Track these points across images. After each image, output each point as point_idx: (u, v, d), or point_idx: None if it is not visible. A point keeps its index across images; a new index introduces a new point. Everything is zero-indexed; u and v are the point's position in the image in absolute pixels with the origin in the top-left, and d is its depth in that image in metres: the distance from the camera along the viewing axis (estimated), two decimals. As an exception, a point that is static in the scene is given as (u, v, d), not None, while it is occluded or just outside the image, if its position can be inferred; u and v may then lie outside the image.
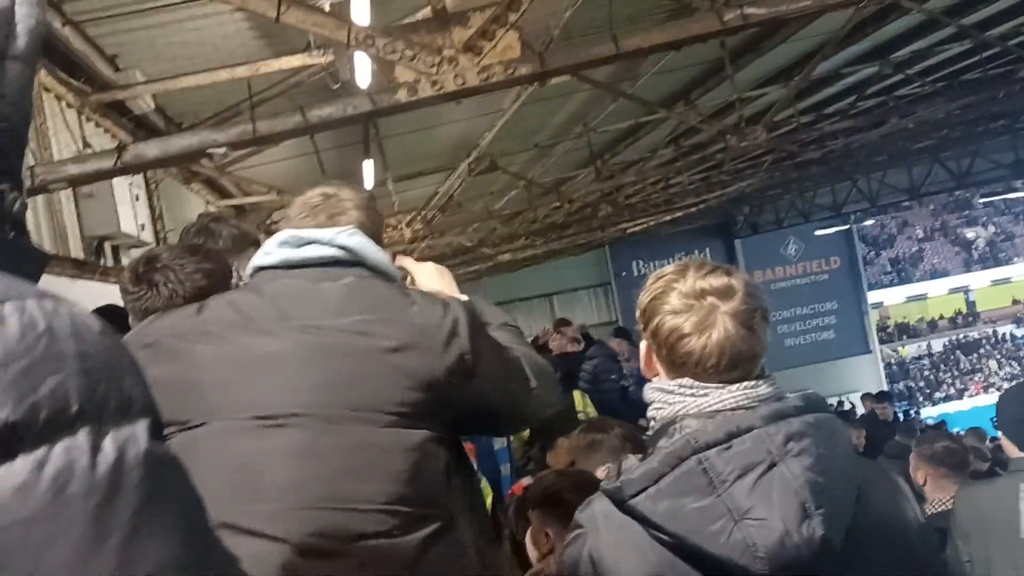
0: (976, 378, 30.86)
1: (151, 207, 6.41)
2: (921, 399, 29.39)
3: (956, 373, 31.30)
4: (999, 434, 2.65)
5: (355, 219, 1.52)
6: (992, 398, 26.29)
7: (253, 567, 1.20)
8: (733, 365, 1.22)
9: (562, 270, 20.72)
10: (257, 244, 2.42)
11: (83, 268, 5.03)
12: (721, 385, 1.23)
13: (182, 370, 1.36)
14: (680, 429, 1.23)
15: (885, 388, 23.65)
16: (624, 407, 5.71)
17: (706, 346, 1.21)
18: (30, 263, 0.70)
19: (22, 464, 0.55)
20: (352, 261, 1.46)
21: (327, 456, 1.29)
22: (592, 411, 5.70)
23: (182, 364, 1.37)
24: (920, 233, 33.23)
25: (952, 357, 31.82)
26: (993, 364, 31.35)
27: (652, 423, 1.31)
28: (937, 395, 29.93)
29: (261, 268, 1.49)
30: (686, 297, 1.24)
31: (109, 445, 0.58)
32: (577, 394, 5.83)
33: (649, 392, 1.32)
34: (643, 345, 1.35)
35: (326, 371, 1.33)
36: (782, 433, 1.17)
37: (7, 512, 0.54)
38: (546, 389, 1.58)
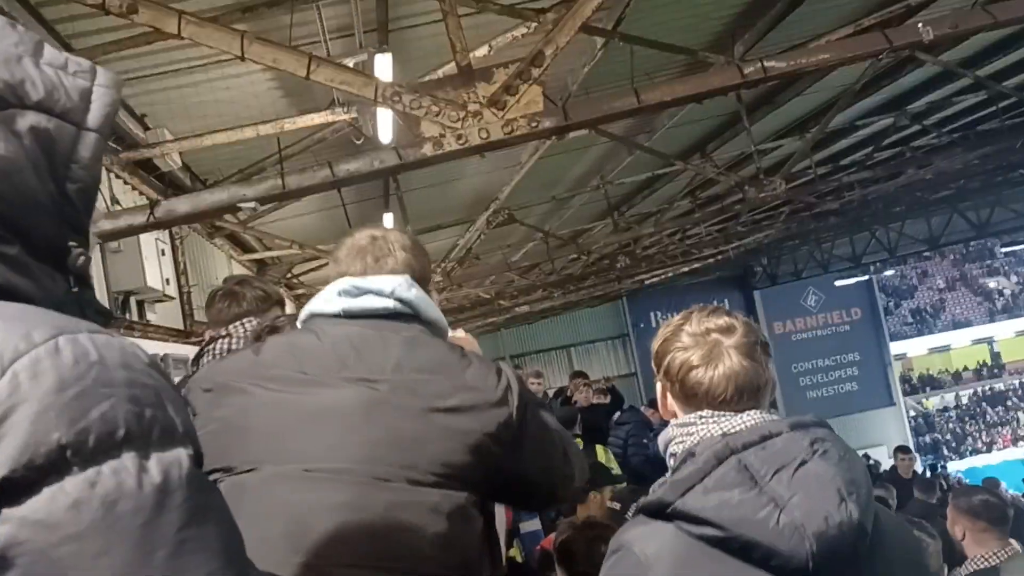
0: (1004, 431, 30.23)
1: (176, 262, 6.50)
2: (948, 452, 28.79)
3: (983, 426, 30.68)
4: None
5: (402, 261, 1.53)
6: (1022, 451, 25.77)
7: None
8: (740, 394, 1.35)
9: (579, 322, 20.70)
10: (281, 303, 2.42)
11: (110, 323, 5.07)
12: (737, 414, 1.35)
13: (236, 414, 1.36)
14: (711, 446, 1.33)
15: (910, 441, 23.26)
16: (651, 471, 5.71)
17: (714, 376, 1.35)
18: (94, 316, 0.75)
19: (73, 483, 0.60)
20: (409, 314, 1.46)
21: (373, 513, 1.28)
22: (614, 465, 5.65)
23: (237, 407, 1.37)
24: (941, 283, 32.95)
25: (979, 409, 31.24)
26: (1022, 416, 30.73)
27: (672, 459, 1.39)
28: (964, 448, 29.31)
29: (318, 315, 1.49)
30: (693, 336, 1.40)
31: (155, 467, 0.63)
32: (600, 448, 5.79)
33: (669, 431, 1.42)
34: (658, 387, 1.47)
35: (378, 427, 1.32)
36: (808, 438, 1.31)
37: (61, 528, 0.59)
38: (579, 470, 1.58)
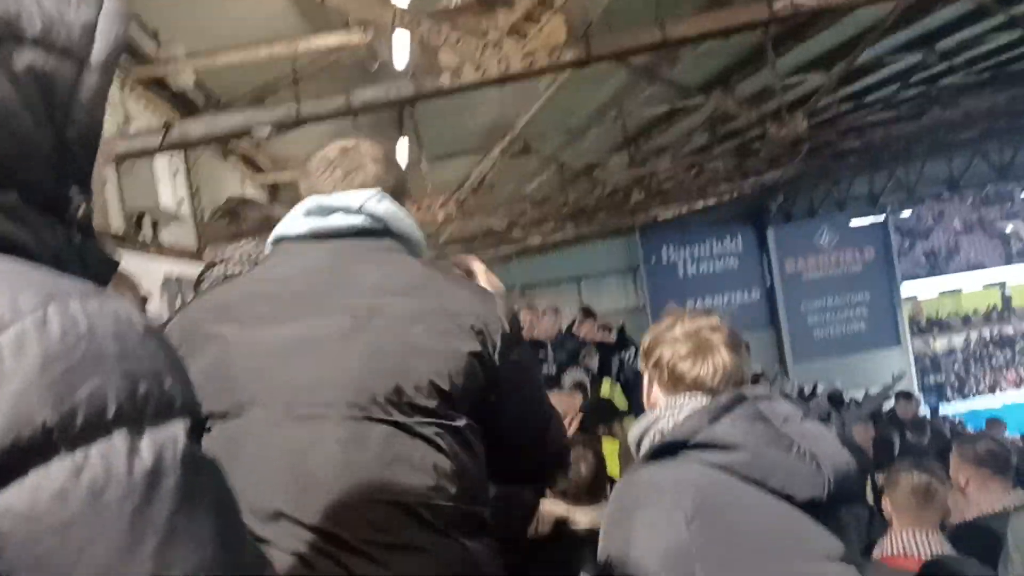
0: (1009, 374, 30.34)
1: (189, 182, 6.48)
2: (951, 394, 28.98)
3: (988, 369, 30.80)
4: None
5: (373, 174, 1.46)
6: (1024, 395, 25.91)
7: (311, 558, 1.20)
8: (725, 384, 1.48)
9: (591, 255, 20.61)
10: None
11: (123, 242, 5.10)
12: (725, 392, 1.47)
13: (213, 363, 1.31)
14: (701, 414, 1.46)
15: (915, 381, 23.39)
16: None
17: (704, 366, 1.49)
18: (98, 266, 0.71)
19: (59, 469, 0.55)
20: (381, 230, 1.40)
21: (372, 447, 1.25)
22: (619, 398, 5.71)
23: (213, 355, 1.31)
24: (957, 226, 32.62)
25: (985, 352, 31.31)
26: (1028, 360, 30.79)
27: (658, 435, 1.47)
28: (968, 390, 29.49)
29: (285, 238, 1.43)
30: (684, 332, 1.54)
31: (147, 448, 0.58)
32: (607, 382, 5.85)
33: (650, 414, 1.52)
34: (645, 379, 1.58)
35: (361, 356, 1.28)
36: (791, 405, 1.48)
37: (45, 517, 0.55)
38: (559, 432, 1.53)
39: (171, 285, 4.77)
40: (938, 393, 28.25)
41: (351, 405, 1.26)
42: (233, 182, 8.25)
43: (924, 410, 13.72)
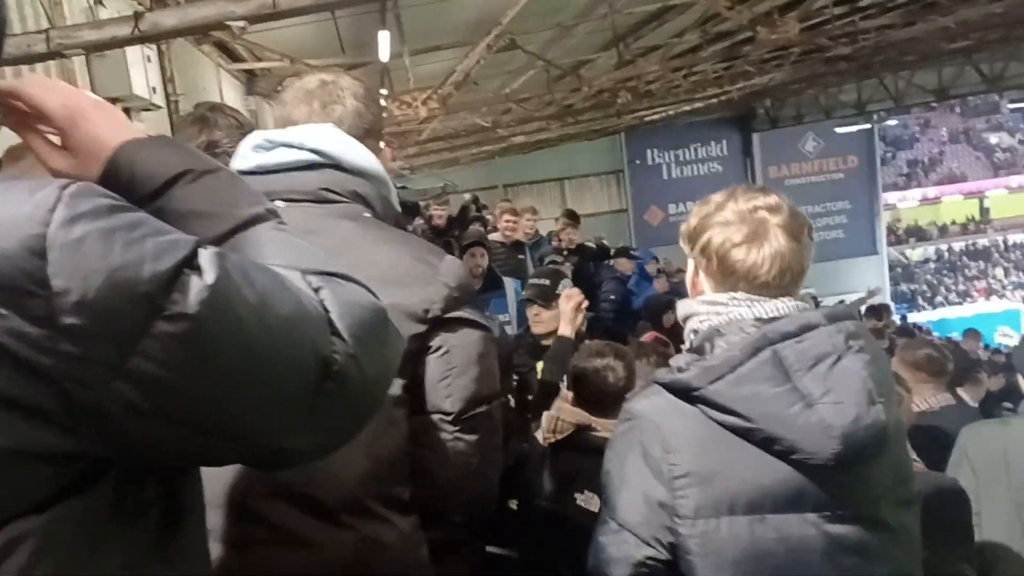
0: (980, 284, 30.94)
1: (162, 69, 6.27)
2: (922, 302, 29.58)
3: (961, 279, 31.36)
4: (1017, 375, 2.63)
5: (351, 109, 1.40)
6: (994, 305, 26.48)
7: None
8: (782, 276, 1.29)
9: (575, 155, 20.43)
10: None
11: (95, 131, 4.97)
12: (769, 299, 1.30)
13: None
14: (740, 330, 1.29)
15: (888, 290, 23.80)
16: (614, 325, 5.95)
17: (759, 255, 1.28)
18: None
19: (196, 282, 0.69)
20: (327, 164, 1.33)
21: None
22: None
23: None
24: (943, 136, 32.53)
25: (960, 263, 31.81)
26: (1000, 272, 31.36)
27: (693, 335, 1.35)
28: (938, 299, 30.09)
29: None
30: (738, 212, 1.31)
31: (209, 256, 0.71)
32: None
33: (692, 305, 1.36)
34: (690, 264, 1.40)
35: None
36: (844, 332, 1.26)
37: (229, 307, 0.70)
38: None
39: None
40: (910, 301, 28.82)
41: None
42: (208, 70, 8.01)
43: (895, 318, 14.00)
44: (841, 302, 17.65)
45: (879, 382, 1.24)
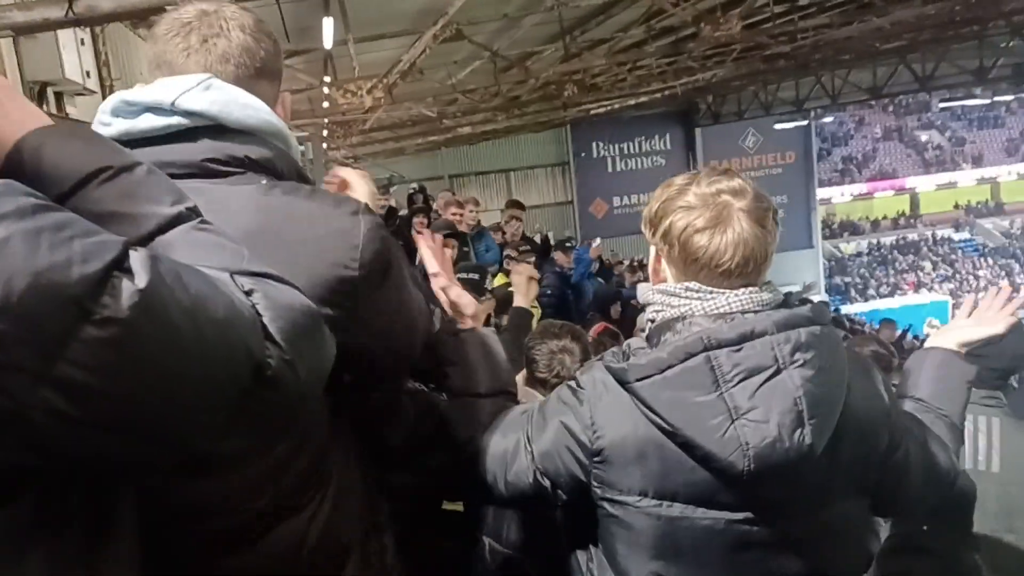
0: (910, 277, 32.02)
1: (96, 52, 6.05)
2: (854, 294, 30.48)
3: (891, 272, 32.41)
4: None
5: (238, 43, 1.17)
6: (923, 297, 27.41)
7: None
8: (745, 263, 1.23)
9: (521, 147, 20.48)
10: None
11: (25, 115, 4.78)
12: (726, 291, 1.25)
13: None
14: (689, 326, 1.24)
15: (822, 282, 24.46)
16: (555, 318, 6.02)
17: (721, 242, 1.22)
18: None
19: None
20: (207, 127, 1.10)
21: None
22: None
23: None
24: (876, 133, 33.51)
25: (890, 256, 32.85)
26: (928, 265, 32.50)
27: (649, 324, 1.32)
28: (870, 292, 31.05)
29: None
30: (701, 196, 1.25)
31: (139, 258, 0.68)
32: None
33: (649, 294, 1.32)
34: (652, 252, 1.34)
35: None
36: (791, 342, 1.20)
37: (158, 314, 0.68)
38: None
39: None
40: (843, 294, 29.66)
41: None
42: (145, 54, 7.77)
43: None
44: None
45: (816, 400, 1.18)
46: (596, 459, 1.26)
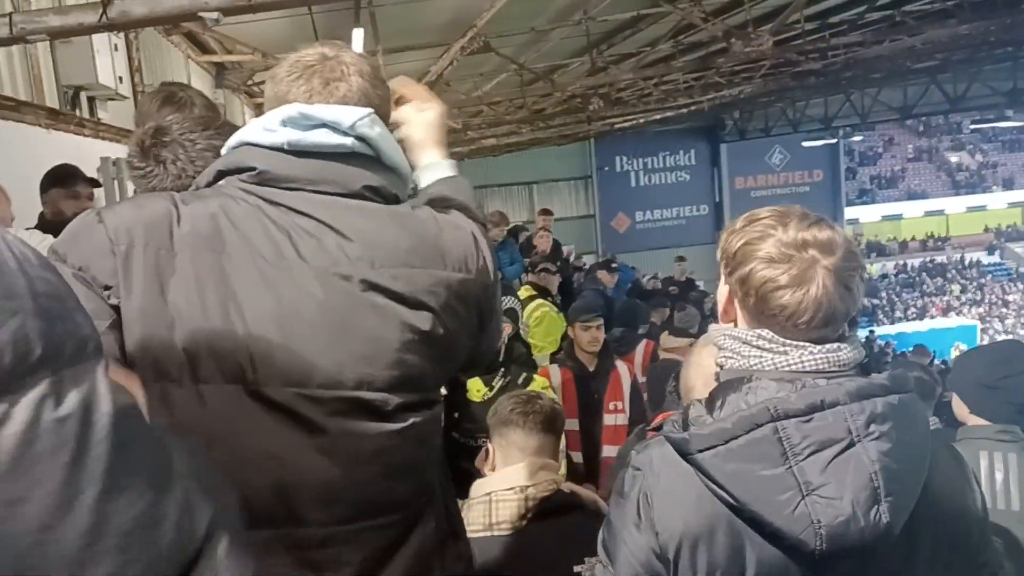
0: (938, 300, 31.58)
1: (129, 58, 6.14)
2: (882, 317, 30.12)
3: (919, 294, 31.99)
4: (951, 395, 2.60)
5: (357, 88, 1.21)
6: (951, 321, 27.04)
7: None
8: (825, 323, 1.16)
9: (544, 159, 20.50)
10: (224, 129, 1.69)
11: (58, 117, 4.85)
12: (802, 345, 1.17)
13: (151, 305, 1.08)
14: (755, 390, 1.17)
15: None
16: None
17: (802, 301, 1.14)
18: None
19: None
20: (368, 156, 1.19)
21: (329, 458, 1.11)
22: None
23: (153, 295, 1.09)
24: (905, 153, 33.18)
25: (918, 279, 32.44)
26: (956, 288, 32.05)
27: (719, 372, 1.26)
28: (897, 314, 30.66)
29: (252, 144, 1.18)
30: (785, 247, 1.16)
31: (73, 394, 0.53)
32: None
33: (722, 338, 1.25)
34: (724, 290, 1.26)
35: (342, 340, 1.11)
36: (866, 413, 1.12)
37: None
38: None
39: (108, 167, 4.56)
40: (870, 316, 29.31)
41: (316, 402, 1.11)
42: (177, 61, 7.86)
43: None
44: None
45: (893, 476, 1.10)
46: (663, 544, 1.18)
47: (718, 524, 1.15)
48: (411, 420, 1.16)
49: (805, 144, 21.90)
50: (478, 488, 1.93)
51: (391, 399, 1.13)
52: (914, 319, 29.78)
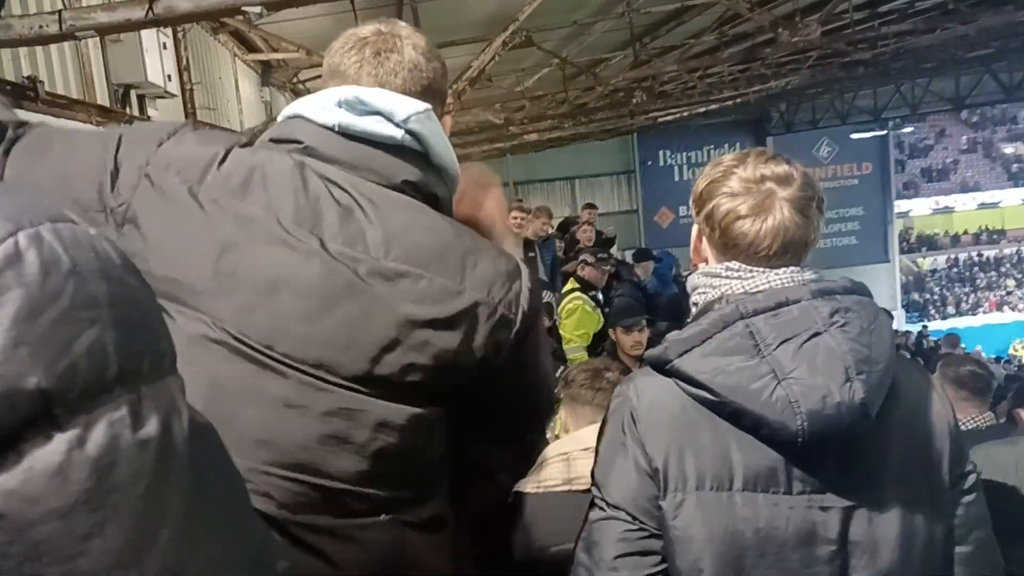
0: (991, 295, 30.74)
1: (178, 57, 6.25)
2: (933, 312, 29.42)
3: (971, 289, 31.17)
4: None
5: (409, 61, 1.21)
6: (1006, 316, 26.31)
7: None
8: (785, 250, 1.24)
9: (586, 154, 20.38)
10: None
11: (109, 115, 4.95)
12: (768, 269, 1.25)
13: (172, 238, 1.09)
14: (726, 302, 1.25)
15: (899, 299, 23.65)
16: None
17: (761, 229, 1.23)
18: None
19: (58, 442, 0.45)
20: (417, 151, 1.18)
21: (309, 416, 1.07)
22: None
23: (175, 230, 1.09)
24: (958, 144, 32.32)
25: (969, 273, 31.61)
26: (1011, 283, 31.15)
27: (694, 307, 1.33)
28: (950, 309, 29.92)
29: (305, 119, 1.18)
30: (745, 182, 1.26)
31: (152, 414, 0.48)
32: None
33: (694, 279, 1.33)
34: (694, 230, 1.35)
35: (338, 321, 1.08)
36: (828, 307, 1.20)
37: (42, 501, 0.44)
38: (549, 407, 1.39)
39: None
40: (921, 311, 28.65)
41: (305, 368, 1.08)
42: (224, 59, 7.99)
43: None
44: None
45: (862, 358, 1.16)
46: (652, 459, 1.22)
47: (702, 429, 1.20)
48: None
49: (854, 136, 21.43)
50: (553, 449, 2.06)
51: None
52: (967, 314, 29.02)
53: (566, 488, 1.84)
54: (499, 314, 1.14)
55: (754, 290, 1.24)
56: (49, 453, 0.44)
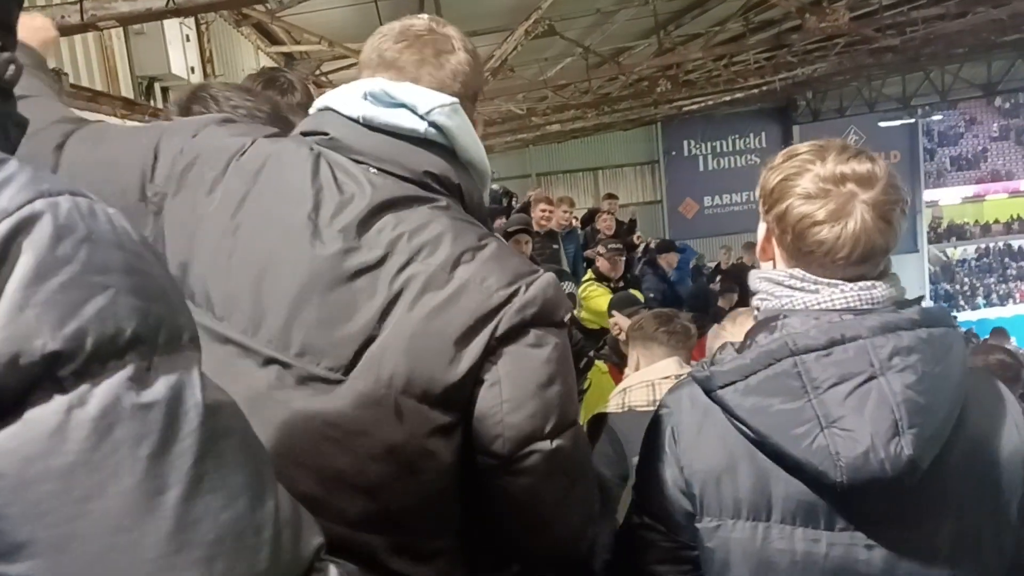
0: (1022, 286, 30.22)
1: (201, 49, 6.26)
2: (963, 302, 28.98)
3: (1001, 279, 30.66)
4: None
5: (464, 62, 1.21)
6: (1037, 307, 25.85)
7: None
8: (863, 259, 1.12)
9: (610, 144, 20.27)
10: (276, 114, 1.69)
11: (133, 107, 4.98)
12: (834, 283, 1.14)
13: (184, 224, 1.10)
14: (781, 327, 1.14)
15: (927, 289, 23.32)
16: None
17: (840, 236, 1.11)
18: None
19: (58, 402, 0.45)
20: (443, 146, 1.15)
21: (311, 423, 1.04)
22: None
23: (189, 217, 1.10)
24: (988, 132, 31.74)
25: (1000, 263, 31.09)
26: (1043, 273, 30.61)
27: (757, 312, 1.23)
28: (979, 300, 29.46)
29: (332, 111, 1.18)
30: (823, 181, 1.12)
31: (161, 381, 0.48)
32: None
33: (755, 281, 1.23)
34: (762, 228, 1.23)
35: (347, 320, 1.05)
36: (889, 346, 1.08)
37: (40, 459, 0.44)
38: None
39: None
40: (951, 301, 28.23)
41: (304, 367, 1.05)
42: (247, 52, 8.00)
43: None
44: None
45: (917, 408, 1.06)
46: (690, 480, 1.19)
47: (740, 459, 1.14)
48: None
49: (882, 124, 21.12)
50: (633, 379, 2.33)
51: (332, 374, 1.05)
52: (996, 305, 28.56)
53: (651, 409, 1.93)
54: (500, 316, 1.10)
55: (815, 307, 1.14)
56: (49, 412, 0.45)
